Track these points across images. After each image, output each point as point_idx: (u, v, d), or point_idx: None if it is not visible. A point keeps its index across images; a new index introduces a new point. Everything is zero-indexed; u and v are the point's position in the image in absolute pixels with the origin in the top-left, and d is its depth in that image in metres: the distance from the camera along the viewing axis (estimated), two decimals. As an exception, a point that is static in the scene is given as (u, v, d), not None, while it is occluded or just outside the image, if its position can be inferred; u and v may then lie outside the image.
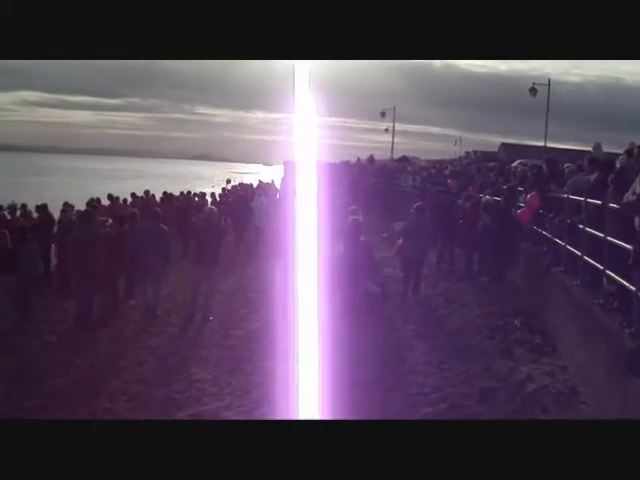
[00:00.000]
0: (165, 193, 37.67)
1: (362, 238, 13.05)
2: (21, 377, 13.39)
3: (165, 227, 19.17)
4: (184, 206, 33.41)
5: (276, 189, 44.28)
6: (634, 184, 10.69)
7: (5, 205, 27.47)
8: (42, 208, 23.37)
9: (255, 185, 50.81)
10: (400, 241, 19.52)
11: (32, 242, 17.79)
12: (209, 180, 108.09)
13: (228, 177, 59.87)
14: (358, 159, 50.61)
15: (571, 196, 14.83)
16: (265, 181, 53.38)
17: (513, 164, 36.23)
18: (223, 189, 47.19)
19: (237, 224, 32.26)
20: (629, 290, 10.14)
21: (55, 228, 21.60)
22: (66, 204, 25.99)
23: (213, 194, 43.82)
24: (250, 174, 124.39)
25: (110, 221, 19.36)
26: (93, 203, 27.12)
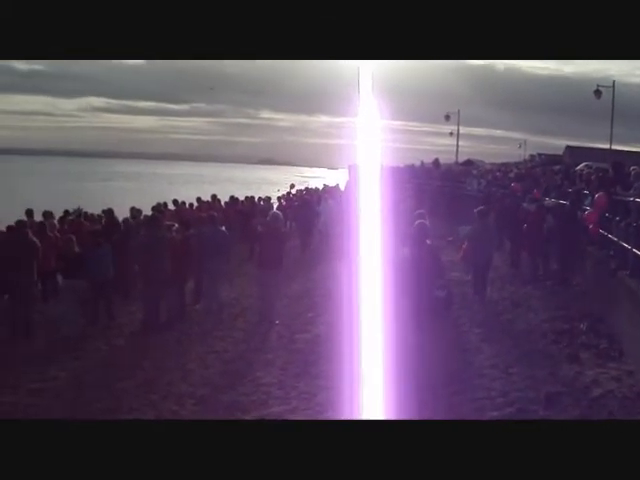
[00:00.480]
0: (232, 197, 37.91)
1: (428, 242, 12.99)
2: (89, 380, 13.56)
3: (224, 230, 19.40)
4: (249, 210, 33.53)
5: (341, 193, 44.32)
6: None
7: (71, 210, 27.87)
8: (109, 213, 23.63)
9: (320, 189, 50.95)
10: (465, 245, 19.50)
11: (103, 247, 17.98)
12: (273, 184, 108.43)
13: (292, 181, 60.07)
14: (422, 162, 50.52)
15: (637, 199, 14.68)
16: (330, 185, 53.48)
17: (578, 167, 35.94)
18: (287, 193, 47.36)
19: (303, 228, 32.39)
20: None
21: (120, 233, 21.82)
22: (133, 209, 26.27)
23: (279, 198, 44.04)
24: (314, 178, 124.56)
25: (176, 226, 19.52)
26: (159, 208, 27.42)
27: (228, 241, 19.43)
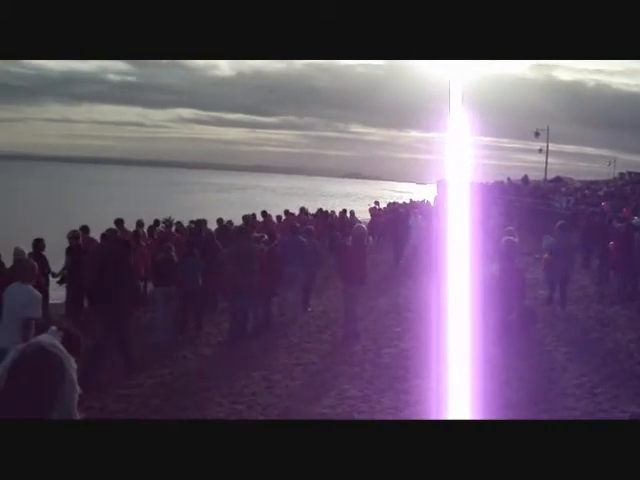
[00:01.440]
0: (320, 210, 38.18)
1: (516, 259, 12.89)
2: (175, 388, 13.73)
3: (301, 239, 19.56)
4: (336, 223, 33.62)
5: (430, 208, 44.24)
6: None
7: (162, 220, 28.28)
8: (198, 223, 23.90)
9: (409, 204, 50.97)
10: (546, 256, 19.45)
11: (196, 257, 18.17)
12: (361, 198, 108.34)
13: (380, 195, 60.30)
14: (508, 179, 50.22)
15: None
16: (419, 200, 53.47)
17: (669, 186, 35.38)
18: (374, 208, 47.43)
19: (395, 242, 32.36)
20: None
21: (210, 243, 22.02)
22: (220, 220, 26.61)
23: (373, 208, 44.20)
24: (403, 193, 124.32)
25: (266, 237, 19.67)
26: (248, 219, 27.65)
27: (307, 250, 19.61)
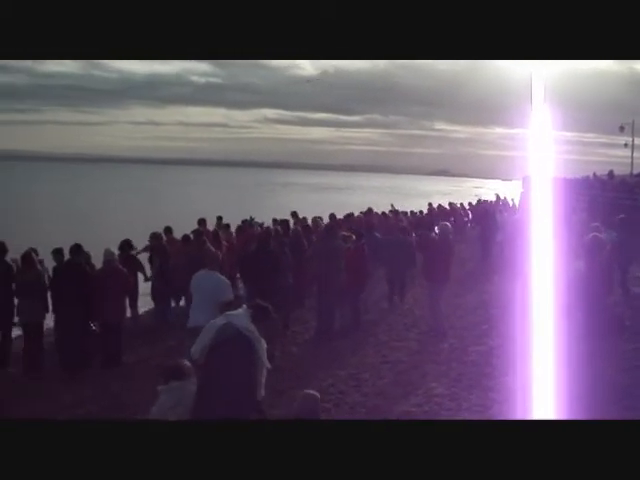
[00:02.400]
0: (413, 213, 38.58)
1: (602, 256, 12.71)
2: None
3: (378, 236, 19.62)
4: (420, 222, 33.61)
5: (516, 204, 43.92)
6: None
7: (248, 219, 28.58)
8: (284, 222, 24.04)
9: (495, 200, 50.68)
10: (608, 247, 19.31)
11: (288, 256, 18.20)
12: (446, 195, 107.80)
13: (466, 192, 60.22)
14: (594, 174, 49.56)
15: None
16: (506, 196, 53.08)
17: None
18: (461, 204, 47.26)
19: (482, 239, 32.20)
20: None
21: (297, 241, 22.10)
22: (302, 218, 26.83)
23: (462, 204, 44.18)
24: (489, 189, 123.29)
25: (354, 237, 19.69)
26: (334, 217, 27.79)
27: (387, 249, 19.69)
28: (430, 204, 50.25)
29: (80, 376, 15.37)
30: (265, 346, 8.93)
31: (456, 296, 21.20)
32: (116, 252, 17.37)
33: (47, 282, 16.48)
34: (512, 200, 49.34)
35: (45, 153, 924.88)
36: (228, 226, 26.86)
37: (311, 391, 8.93)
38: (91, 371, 15.80)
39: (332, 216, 27.84)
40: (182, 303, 20.52)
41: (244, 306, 9.25)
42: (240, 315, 9.01)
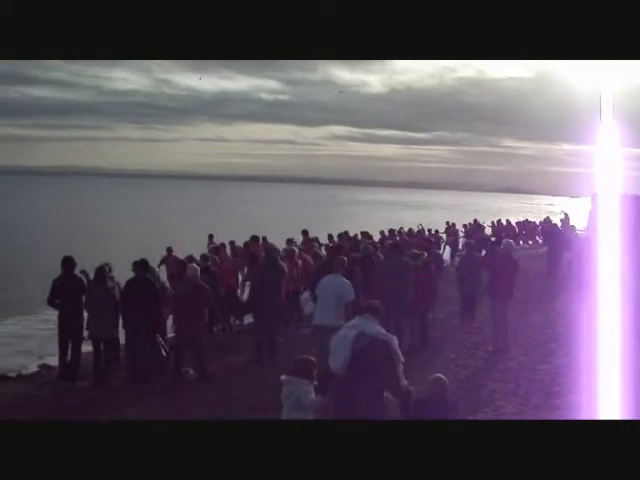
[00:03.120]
0: (474, 221, 38.43)
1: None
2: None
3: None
4: (488, 238, 33.51)
5: (583, 221, 43.59)
6: None
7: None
8: (357, 239, 24.08)
9: (563, 218, 50.37)
10: None
11: (359, 273, 18.18)
12: (513, 213, 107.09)
13: (534, 210, 60.01)
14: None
15: None
16: (572, 214, 52.73)
17: None
18: (525, 221, 47.10)
19: (549, 257, 32.02)
20: None
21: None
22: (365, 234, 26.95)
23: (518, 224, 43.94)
24: (557, 207, 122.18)
25: (425, 254, 19.64)
26: (395, 233, 27.87)
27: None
28: (495, 222, 50.28)
29: (149, 390, 15.57)
30: (397, 342, 9.78)
31: (523, 314, 21.10)
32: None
33: (118, 297, 16.63)
34: (580, 217, 48.94)
35: (113, 170, 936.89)
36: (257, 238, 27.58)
37: (440, 375, 9.99)
38: (160, 384, 15.98)
39: (391, 231, 27.90)
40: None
41: (365, 314, 9.87)
42: (367, 321, 9.70)
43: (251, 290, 18.86)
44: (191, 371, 16.57)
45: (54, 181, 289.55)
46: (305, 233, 28.81)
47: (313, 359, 9.61)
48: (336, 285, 15.05)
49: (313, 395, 9.19)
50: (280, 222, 59.82)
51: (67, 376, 16.47)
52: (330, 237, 29.25)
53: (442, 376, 9.92)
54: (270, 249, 19.47)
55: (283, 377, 9.40)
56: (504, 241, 19.68)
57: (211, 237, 29.85)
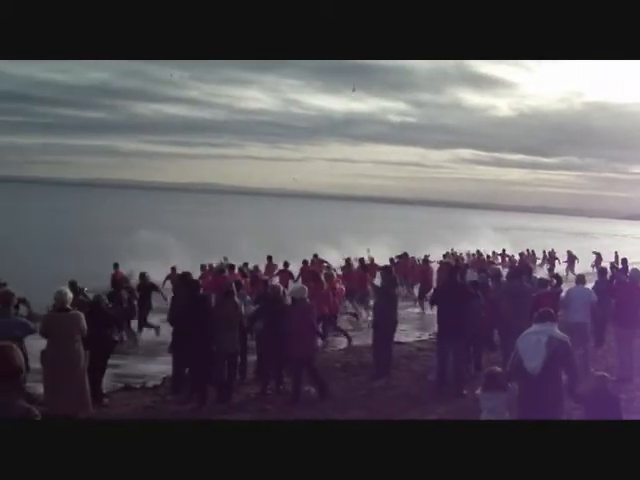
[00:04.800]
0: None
1: None
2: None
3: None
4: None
5: None
6: None
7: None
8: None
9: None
10: None
11: (479, 298, 18.05)
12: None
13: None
14: None
15: None
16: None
17: None
18: None
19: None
20: None
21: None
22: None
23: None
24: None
25: (555, 281, 19.55)
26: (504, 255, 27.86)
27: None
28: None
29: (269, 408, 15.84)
30: None
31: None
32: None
33: (244, 314, 17.13)
34: None
35: (244, 187, 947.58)
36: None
37: (603, 373, 11.63)
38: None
39: (502, 254, 27.96)
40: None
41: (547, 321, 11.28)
42: (550, 327, 11.11)
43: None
44: (312, 390, 16.86)
45: (186, 198, 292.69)
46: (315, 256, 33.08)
47: (499, 369, 11.71)
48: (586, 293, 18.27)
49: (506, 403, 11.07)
50: (406, 242, 59.68)
51: (224, 396, 16.48)
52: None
53: (605, 373, 11.57)
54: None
55: (478, 393, 11.64)
56: (632, 268, 19.45)
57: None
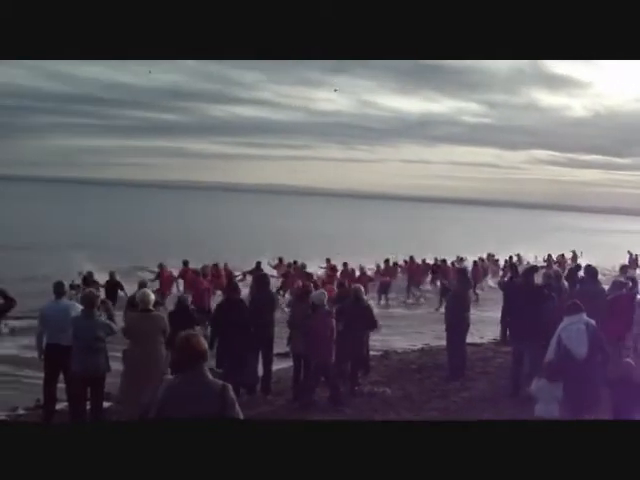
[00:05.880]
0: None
1: None
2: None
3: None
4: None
5: None
6: None
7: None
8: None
9: None
10: None
11: (554, 299, 17.93)
12: None
13: None
14: None
15: None
16: None
17: None
18: None
19: None
20: None
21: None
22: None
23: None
24: None
25: (630, 283, 19.43)
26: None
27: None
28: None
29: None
30: None
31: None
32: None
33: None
34: None
35: (321, 189, 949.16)
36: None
37: (629, 360, 12.62)
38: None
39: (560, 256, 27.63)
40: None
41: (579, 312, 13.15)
42: (583, 317, 13.07)
43: None
44: (388, 390, 17.03)
45: (261, 198, 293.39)
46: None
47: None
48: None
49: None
50: (481, 243, 59.43)
51: (304, 398, 16.28)
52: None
53: (631, 360, 12.47)
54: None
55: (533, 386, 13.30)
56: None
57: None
